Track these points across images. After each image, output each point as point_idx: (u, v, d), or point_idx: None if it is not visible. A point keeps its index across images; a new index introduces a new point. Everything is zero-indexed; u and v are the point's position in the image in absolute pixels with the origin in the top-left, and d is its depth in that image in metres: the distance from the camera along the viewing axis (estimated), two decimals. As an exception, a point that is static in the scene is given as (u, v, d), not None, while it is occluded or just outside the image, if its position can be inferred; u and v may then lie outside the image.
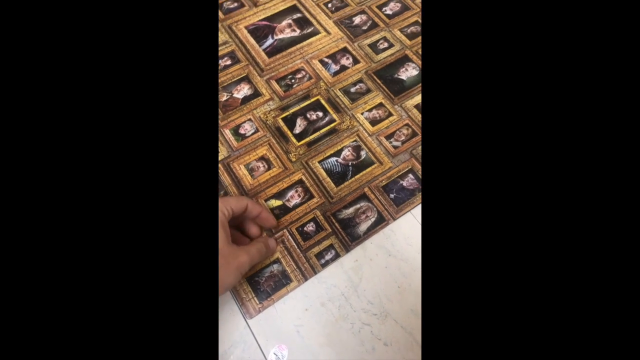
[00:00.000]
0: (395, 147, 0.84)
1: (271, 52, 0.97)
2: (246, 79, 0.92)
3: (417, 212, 0.78)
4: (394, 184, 0.80)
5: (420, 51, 0.97)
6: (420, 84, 0.92)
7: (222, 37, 0.98)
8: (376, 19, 1.02)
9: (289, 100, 0.90)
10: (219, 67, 0.94)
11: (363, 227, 0.76)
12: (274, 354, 0.66)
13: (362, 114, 0.88)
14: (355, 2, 1.05)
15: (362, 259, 0.73)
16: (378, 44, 0.98)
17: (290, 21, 1.01)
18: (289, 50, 0.97)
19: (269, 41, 0.98)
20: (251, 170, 0.81)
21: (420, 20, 1.02)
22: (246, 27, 1.00)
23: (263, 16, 1.02)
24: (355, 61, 0.95)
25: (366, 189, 0.79)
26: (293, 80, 0.93)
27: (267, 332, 0.67)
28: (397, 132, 0.86)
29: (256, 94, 0.91)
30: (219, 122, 0.86)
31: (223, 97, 0.90)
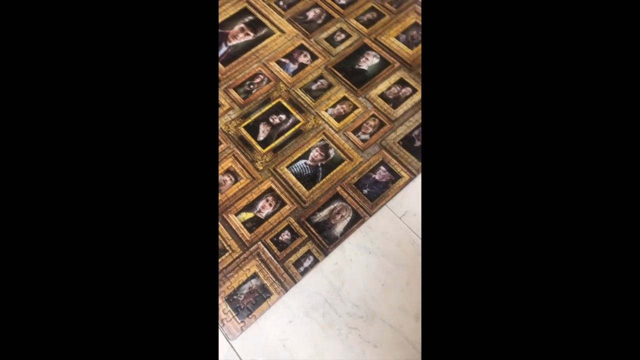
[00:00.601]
0: (363, 141, 0.81)
1: (226, 60, 0.93)
2: (203, 91, 0.89)
3: (393, 204, 0.75)
4: (366, 179, 0.77)
5: (379, 38, 0.94)
6: (382, 72, 0.89)
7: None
8: (330, 11, 0.99)
9: (249, 107, 0.86)
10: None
11: (339, 227, 0.73)
12: (261, 372, 0.63)
13: (326, 110, 0.85)
14: (307, -4, 1.02)
15: (342, 261, 0.71)
16: (335, 37, 0.95)
17: (242, 25, 0.98)
18: (245, 56, 0.93)
19: (223, 49, 0.95)
20: (218, 185, 0.79)
21: (374, 7, 0.99)
22: (198, 38, 0.97)
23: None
24: (314, 57, 0.92)
25: (339, 189, 0.77)
26: (252, 86, 0.89)
27: (252, 350, 0.65)
28: (364, 124, 0.83)
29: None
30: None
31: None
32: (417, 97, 0.85)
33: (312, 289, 0.68)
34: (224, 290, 0.69)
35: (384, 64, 0.90)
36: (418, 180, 0.76)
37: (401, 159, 0.79)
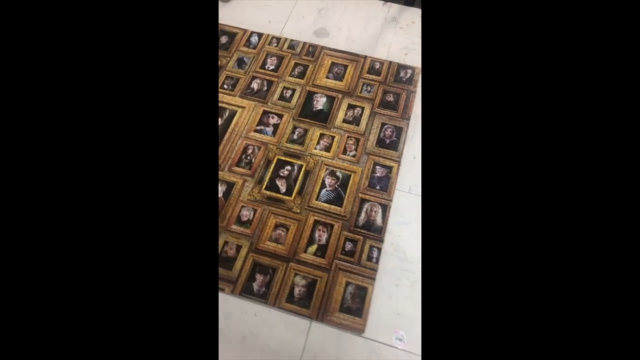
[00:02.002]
0: (354, 156, 1.07)
1: (213, 147, 1.07)
2: (213, 180, 1.02)
3: (399, 186, 1.03)
4: (372, 179, 1.03)
5: (315, 83, 1.21)
6: (334, 105, 1.16)
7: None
8: (267, 77, 1.22)
9: (259, 173, 1.03)
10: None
11: (378, 219, 0.97)
12: (396, 338, 0.83)
13: (315, 148, 1.08)
14: (242, 73, 1.22)
15: (394, 239, 0.95)
16: (284, 94, 1.18)
17: (206, 116, 1.13)
18: (225, 138, 1.09)
19: (204, 140, 1.08)
20: (277, 240, 0.94)
21: (297, 62, 1.25)
22: (176, 141, 1.08)
23: (181, 124, 1.11)
24: (280, 116, 1.14)
25: (360, 194, 1.01)
26: (249, 157, 1.06)
27: (384, 330, 0.84)
28: (347, 145, 1.09)
29: (230, 185, 1.01)
30: (220, 224, 0.95)
31: (207, 204, 0.98)
32: (367, 111, 1.15)
33: (389, 267, 0.91)
34: (333, 306, 0.86)
35: (331, 99, 1.17)
36: (403, 164, 1.05)
37: (384, 155, 1.07)
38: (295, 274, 0.90)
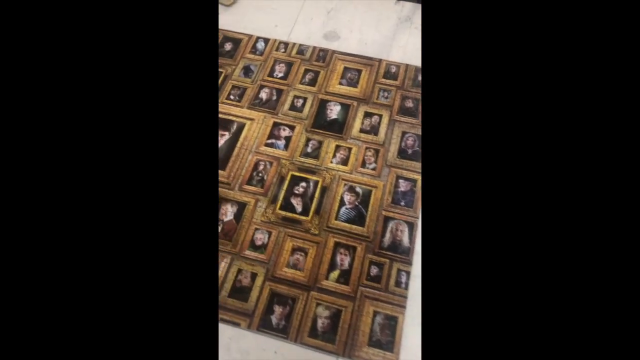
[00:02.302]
0: (374, 169, 0.99)
1: (221, 164, 0.99)
2: (222, 200, 0.94)
3: (423, 201, 0.95)
4: (396, 194, 0.95)
5: (328, 90, 1.13)
6: (349, 113, 1.08)
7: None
8: (276, 86, 1.14)
9: (272, 191, 0.95)
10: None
11: (405, 239, 0.89)
12: None
13: (331, 162, 1.00)
14: (249, 82, 1.14)
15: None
16: (295, 104, 1.10)
17: (213, 130, 1.05)
18: (235, 153, 1.01)
19: (211, 157, 1.00)
20: (295, 266, 0.86)
21: (307, 68, 1.17)
22: (181, 159, 1.00)
23: (186, 140, 1.03)
24: (291, 128, 1.06)
25: (384, 212, 0.92)
26: (260, 174, 0.98)
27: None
28: (365, 157, 1.01)
29: (241, 205, 0.93)
30: (232, 249, 0.87)
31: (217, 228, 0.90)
32: (385, 119, 1.07)
33: (419, 293, 0.83)
34: (361, 339, 0.78)
35: (346, 107, 1.09)
36: (424, 175, 0.97)
37: (407, 167, 0.99)
38: (318, 304, 0.82)
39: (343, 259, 0.87)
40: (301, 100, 1.11)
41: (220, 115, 1.08)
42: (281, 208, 0.93)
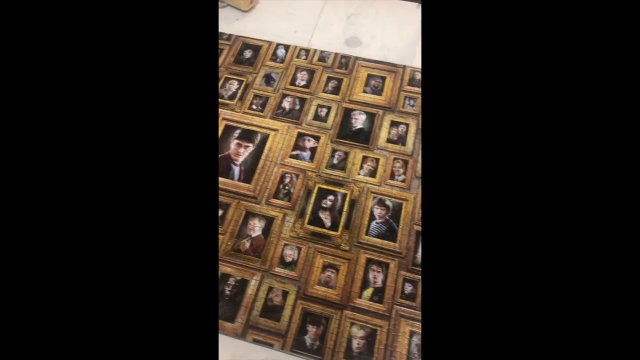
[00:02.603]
0: (403, 181, 0.96)
1: (246, 177, 0.97)
2: (249, 214, 0.92)
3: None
4: (427, 207, 0.93)
5: (352, 98, 1.10)
6: (375, 123, 1.05)
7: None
8: (299, 95, 1.11)
9: (299, 205, 0.93)
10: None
11: (438, 255, 0.87)
12: None
13: (359, 174, 0.97)
14: (271, 90, 1.12)
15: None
16: (319, 113, 1.08)
17: (236, 141, 1.03)
18: (260, 166, 0.99)
19: (236, 170, 0.98)
20: (327, 284, 0.84)
21: (330, 76, 1.14)
22: (205, 172, 0.98)
23: (209, 152, 1.01)
24: (316, 138, 1.03)
25: (415, 227, 0.90)
26: (287, 187, 0.96)
27: None
28: (394, 169, 0.98)
29: (269, 220, 0.91)
30: (262, 266, 0.85)
31: (245, 245, 0.88)
32: (413, 128, 1.04)
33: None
34: (398, 361, 0.76)
35: (371, 116, 1.06)
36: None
37: (437, 179, 0.96)
38: (352, 324, 0.79)
39: (376, 276, 0.84)
40: (325, 110, 1.08)
41: (243, 126, 1.05)
42: (310, 223, 0.91)
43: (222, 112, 1.07)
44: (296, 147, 1.02)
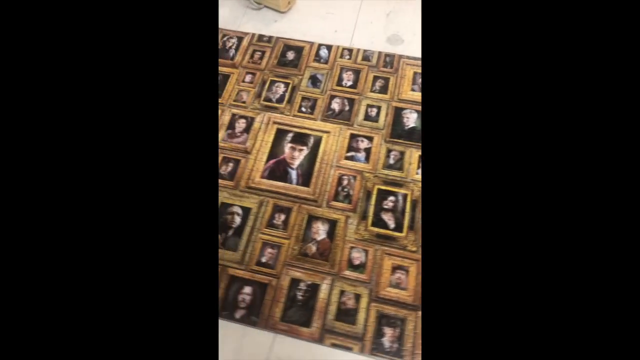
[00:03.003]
0: (462, 179, 0.96)
1: (304, 181, 0.97)
2: (312, 218, 0.92)
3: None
4: (489, 205, 0.92)
5: (401, 97, 1.09)
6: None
7: (253, 201, 0.94)
8: (347, 95, 1.10)
9: (360, 207, 0.93)
10: (278, 224, 0.90)
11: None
12: None
13: (417, 173, 0.97)
14: (318, 92, 1.11)
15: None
16: (369, 113, 1.07)
17: (290, 145, 1.02)
18: (316, 169, 0.98)
19: (293, 174, 0.98)
20: (398, 286, 0.84)
21: (376, 75, 1.14)
22: (262, 177, 0.98)
23: (264, 158, 1.00)
24: (369, 139, 1.03)
25: (480, 225, 0.90)
26: (346, 190, 0.95)
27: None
28: (451, 167, 0.98)
29: (332, 223, 0.91)
30: (331, 270, 0.85)
31: (312, 249, 0.88)
32: (465, 125, 1.04)
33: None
34: None
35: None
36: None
37: (496, 176, 0.96)
38: (428, 324, 0.80)
39: (446, 276, 0.84)
40: (375, 109, 1.08)
41: (295, 129, 1.05)
42: (373, 224, 0.91)
43: (272, 116, 1.07)
44: (350, 148, 1.02)
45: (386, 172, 0.98)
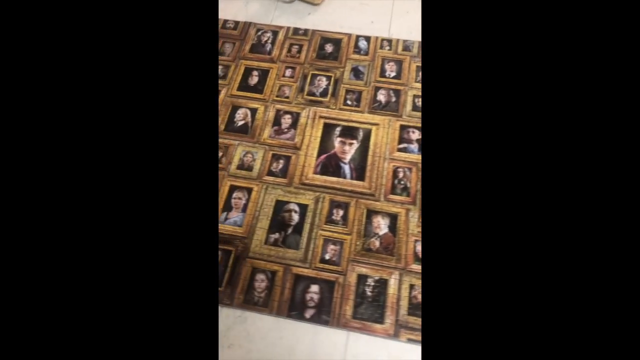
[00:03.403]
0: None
1: (358, 175, 0.95)
2: (371, 212, 0.90)
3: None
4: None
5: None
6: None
7: (309, 198, 0.91)
8: (392, 87, 1.08)
9: (420, 199, 0.91)
10: (337, 220, 0.88)
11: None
12: None
13: (472, 163, 0.96)
14: (362, 84, 1.09)
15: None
16: (417, 103, 1.05)
17: (339, 139, 1.00)
18: (369, 162, 0.96)
19: (346, 168, 0.96)
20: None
21: (419, 65, 1.11)
22: (314, 173, 0.95)
23: (314, 153, 0.98)
24: (420, 129, 1.01)
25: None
26: (402, 182, 0.94)
27: None
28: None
29: (392, 217, 0.89)
30: (397, 264, 0.83)
31: (375, 244, 0.86)
32: (516, 112, 1.02)
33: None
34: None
35: (471, 103, 1.04)
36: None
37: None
38: (503, 315, 0.78)
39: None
40: (421, 99, 1.06)
41: (343, 123, 1.02)
42: (435, 216, 0.89)
43: (318, 110, 1.04)
44: (402, 140, 0.99)
45: (441, 162, 0.96)
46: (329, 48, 1.16)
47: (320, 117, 1.04)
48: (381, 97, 1.07)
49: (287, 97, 1.07)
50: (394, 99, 1.06)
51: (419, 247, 0.86)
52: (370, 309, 0.79)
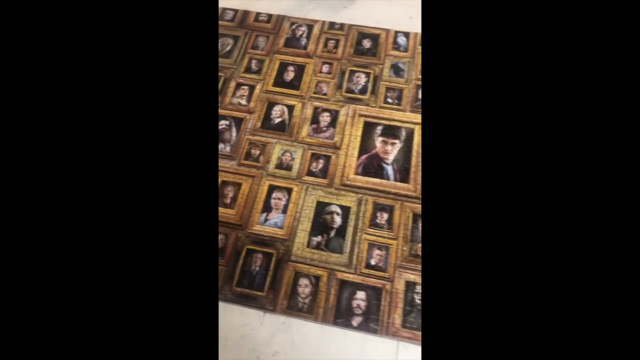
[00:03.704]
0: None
1: (402, 177, 0.91)
2: (418, 217, 0.85)
3: None
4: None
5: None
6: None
7: (351, 199, 0.88)
8: (433, 85, 1.04)
9: (467, 204, 0.87)
10: (381, 223, 0.85)
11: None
12: None
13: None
14: (402, 81, 1.05)
15: None
16: (460, 103, 1.01)
17: (381, 139, 0.96)
18: (413, 163, 0.92)
19: (389, 169, 0.92)
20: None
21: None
22: (356, 173, 0.92)
23: (355, 153, 0.94)
24: (465, 130, 0.97)
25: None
26: (449, 185, 0.90)
27: None
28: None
29: (439, 221, 0.85)
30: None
31: (423, 249, 0.82)
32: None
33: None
34: None
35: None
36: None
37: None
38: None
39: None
40: (466, 99, 1.02)
41: (384, 122, 0.99)
42: (484, 221, 0.85)
43: (357, 108, 1.01)
44: (446, 141, 0.96)
45: (488, 165, 0.92)
46: (366, 44, 1.12)
47: (360, 115, 1.00)
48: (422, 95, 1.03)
49: (325, 94, 1.03)
50: (436, 98, 1.02)
51: (468, 254, 0.82)
52: (420, 318, 0.76)
